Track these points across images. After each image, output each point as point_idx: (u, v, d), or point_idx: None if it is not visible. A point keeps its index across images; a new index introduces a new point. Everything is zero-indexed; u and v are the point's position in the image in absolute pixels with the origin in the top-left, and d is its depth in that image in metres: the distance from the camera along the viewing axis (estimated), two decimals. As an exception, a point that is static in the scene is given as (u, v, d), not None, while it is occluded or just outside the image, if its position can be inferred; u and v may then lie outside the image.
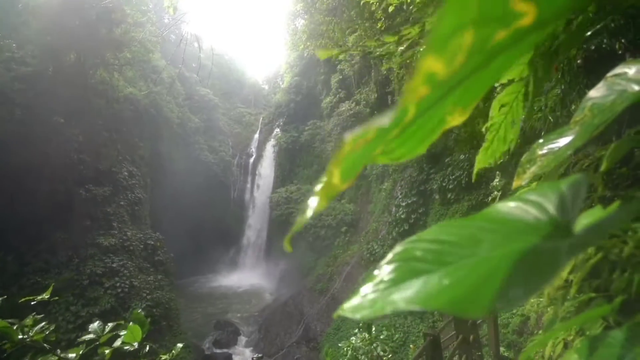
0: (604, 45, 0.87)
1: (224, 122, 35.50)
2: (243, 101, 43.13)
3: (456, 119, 0.27)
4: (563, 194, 0.29)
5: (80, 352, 1.65)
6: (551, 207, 0.28)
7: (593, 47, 0.86)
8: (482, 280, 0.23)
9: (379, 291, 0.26)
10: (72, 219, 14.80)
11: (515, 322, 6.81)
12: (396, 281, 0.26)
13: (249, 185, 31.59)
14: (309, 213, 0.27)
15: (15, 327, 1.53)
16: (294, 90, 31.22)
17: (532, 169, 0.47)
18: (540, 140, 0.48)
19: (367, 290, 0.27)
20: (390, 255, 0.29)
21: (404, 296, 0.24)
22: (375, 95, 21.97)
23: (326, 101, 26.76)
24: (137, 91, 20.64)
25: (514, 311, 6.85)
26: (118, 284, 14.13)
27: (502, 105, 0.76)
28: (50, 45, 14.98)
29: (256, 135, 34.58)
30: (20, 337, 1.52)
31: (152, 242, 16.90)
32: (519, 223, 0.28)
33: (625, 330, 0.39)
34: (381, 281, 0.27)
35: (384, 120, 0.23)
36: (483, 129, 0.84)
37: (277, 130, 31.13)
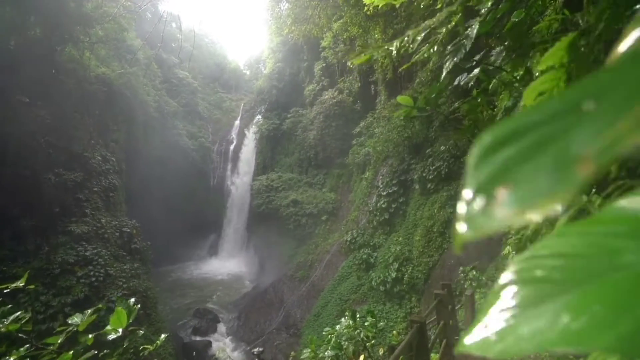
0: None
1: (203, 107, 34.46)
2: (224, 86, 41.94)
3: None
4: None
5: (59, 341, 1.58)
6: None
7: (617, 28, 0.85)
8: None
9: (504, 321, 0.21)
10: (40, 205, 14.01)
11: (490, 307, 7.11)
12: (522, 309, 0.21)
13: (229, 173, 31.03)
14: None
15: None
16: (277, 77, 30.62)
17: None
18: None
19: (490, 320, 0.21)
20: (506, 277, 0.23)
21: (539, 328, 0.19)
22: (359, 84, 21.91)
23: (309, 89, 26.46)
24: (111, 71, 19.56)
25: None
26: (92, 273, 13.62)
27: (541, 93, 0.71)
28: (11, 17, 13.80)
29: (237, 122, 33.83)
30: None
31: (128, 230, 16.34)
32: None
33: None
34: (505, 309, 0.21)
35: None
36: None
37: (259, 117, 30.58)
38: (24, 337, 1.52)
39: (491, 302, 0.23)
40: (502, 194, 0.21)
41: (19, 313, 1.54)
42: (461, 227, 0.22)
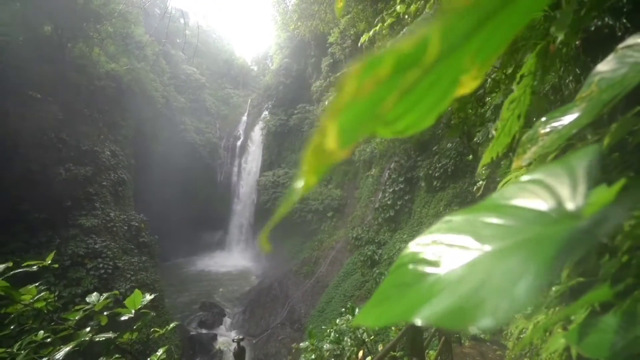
0: (604, 27, 0.84)
1: (211, 103, 34.65)
2: (231, 82, 42.07)
3: (469, 82, 0.21)
4: (574, 171, 0.25)
5: (77, 318, 1.73)
6: (561, 189, 0.24)
7: (593, 28, 0.83)
8: (482, 282, 0.19)
9: (385, 300, 0.23)
10: (52, 199, 14.32)
11: (493, 305, 7.07)
12: (401, 288, 0.23)
13: (236, 168, 31.23)
14: (295, 196, 0.22)
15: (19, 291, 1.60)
16: (284, 73, 30.59)
17: (534, 149, 0.44)
18: (543, 119, 0.45)
19: (378, 298, 0.24)
20: (397, 259, 0.26)
21: (409, 306, 0.21)
22: (366, 81, 21.74)
23: (316, 85, 26.38)
24: (120, 67, 19.79)
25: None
26: (101, 265, 13.91)
27: (512, 102, 0.73)
28: (22, 13, 14.03)
29: (244, 118, 33.96)
30: (23, 303, 1.59)
31: (136, 224, 16.62)
32: (524, 211, 0.24)
33: (618, 315, 0.37)
34: (390, 286, 0.24)
35: (403, 46, 0.17)
36: (493, 131, 0.82)
37: (266, 113, 30.63)
38: (46, 313, 1.69)
39: (386, 280, 0.25)
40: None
41: (43, 293, 1.70)
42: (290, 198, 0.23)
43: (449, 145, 12.77)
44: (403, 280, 0.24)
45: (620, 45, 0.39)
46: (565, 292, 0.71)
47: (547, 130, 0.43)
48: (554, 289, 0.64)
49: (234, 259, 26.93)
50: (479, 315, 0.17)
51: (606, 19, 0.79)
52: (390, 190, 15.55)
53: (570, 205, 0.23)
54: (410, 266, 0.24)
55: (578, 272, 0.60)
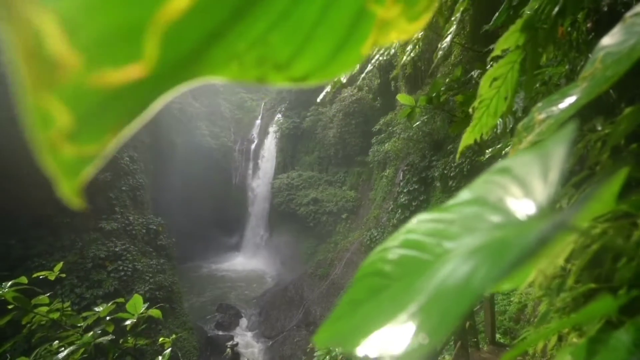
0: (619, 4, 0.76)
1: (225, 107, 35.20)
2: (244, 86, 42.63)
3: (400, 23, 0.15)
4: (547, 158, 0.21)
5: (81, 325, 1.78)
6: (531, 180, 0.21)
7: (606, 9, 0.76)
8: (425, 303, 0.17)
9: (339, 319, 0.21)
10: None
11: (512, 309, 6.83)
12: (355, 304, 0.21)
13: (250, 171, 31.54)
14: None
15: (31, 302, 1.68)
16: (296, 75, 30.68)
17: (530, 138, 0.39)
18: (540, 104, 0.40)
19: (335, 314, 0.22)
20: (360, 268, 0.24)
21: (355, 330, 0.19)
22: (378, 81, 21.56)
23: (328, 87, 26.34)
24: (137, 75, 20.39)
25: (511, 299, 6.87)
26: (121, 268, 14.31)
27: (495, 79, 0.65)
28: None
29: (258, 121, 34.28)
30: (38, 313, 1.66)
31: (154, 227, 17.01)
32: (489, 210, 0.21)
33: (632, 331, 0.31)
34: (347, 301, 0.22)
35: None
36: (470, 110, 0.75)
37: (279, 116, 30.81)
38: (58, 321, 1.76)
39: (347, 294, 0.23)
40: None
41: (56, 303, 1.80)
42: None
43: (465, 144, 12.48)
44: (358, 295, 0.22)
45: (629, 14, 0.33)
46: (579, 298, 0.64)
47: (544, 115, 0.37)
48: (562, 295, 0.58)
49: (249, 261, 27.15)
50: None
51: (620, -3, 0.72)
52: (405, 190, 15.31)
53: (538, 202, 0.20)
54: (369, 278, 0.22)
55: (591, 277, 0.54)
